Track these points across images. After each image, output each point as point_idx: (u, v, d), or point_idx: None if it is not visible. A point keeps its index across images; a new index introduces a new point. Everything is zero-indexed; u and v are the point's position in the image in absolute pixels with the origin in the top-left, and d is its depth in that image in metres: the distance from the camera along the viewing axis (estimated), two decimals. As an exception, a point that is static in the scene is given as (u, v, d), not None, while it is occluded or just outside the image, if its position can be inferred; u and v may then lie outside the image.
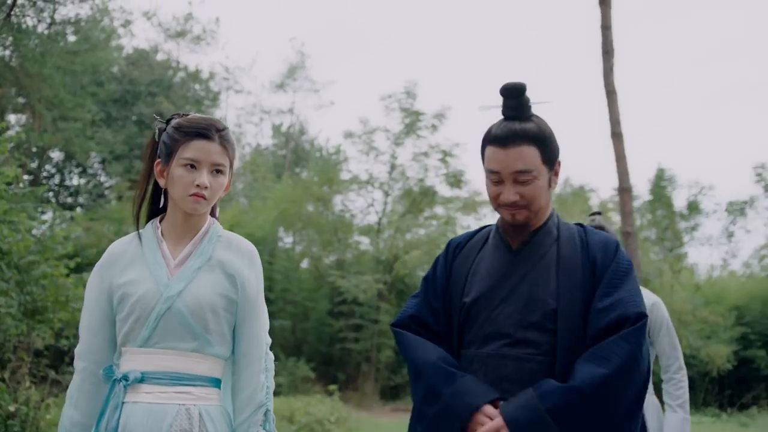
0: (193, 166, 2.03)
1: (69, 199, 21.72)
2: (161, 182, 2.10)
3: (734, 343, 16.03)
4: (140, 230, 2.14)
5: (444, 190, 18.65)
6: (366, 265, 18.05)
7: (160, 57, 25.36)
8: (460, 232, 19.12)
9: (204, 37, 26.57)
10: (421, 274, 18.99)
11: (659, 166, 23.21)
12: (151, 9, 27.87)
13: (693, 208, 22.93)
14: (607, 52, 9.88)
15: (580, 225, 2.17)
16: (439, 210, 19.07)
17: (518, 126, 2.02)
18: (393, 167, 18.44)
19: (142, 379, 1.99)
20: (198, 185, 2.02)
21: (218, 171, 2.06)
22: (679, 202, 23.34)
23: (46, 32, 15.09)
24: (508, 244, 2.13)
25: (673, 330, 3.60)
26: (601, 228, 3.71)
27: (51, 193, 20.79)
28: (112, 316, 2.08)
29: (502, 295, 2.05)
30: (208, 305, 2.03)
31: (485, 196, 19.92)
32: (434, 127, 18.01)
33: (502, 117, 2.08)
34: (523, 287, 2.04)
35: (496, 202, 2.08)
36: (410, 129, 18.00)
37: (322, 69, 42.87)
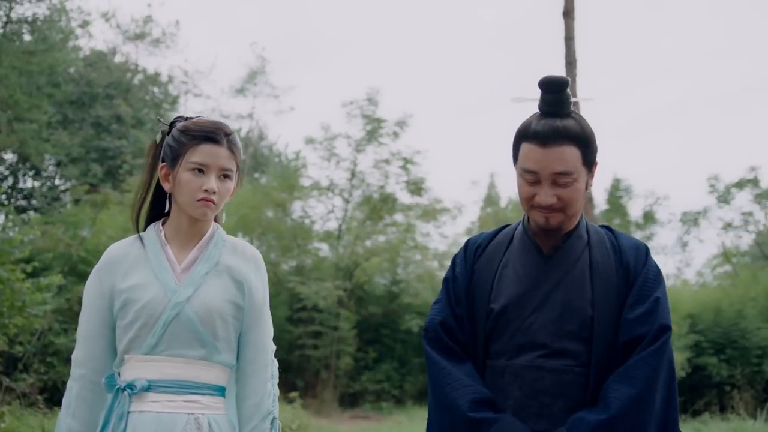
0: (200, 170, 1.98)
1: (22, 202, 21.27)
2: (166, 186, 2.05)
3: (688, 351, 16.32)
4: (141, 233, 2.08)
5: (404, 197, 18.71)
6: (326, 271, 17.99)
7: (118, 59, 25.02)
8: (419, 239, 19.19)
9: (163, 39, 26.27)
10: (381, 281, 19.01)
11: (615, 176, 23.59)
12: (110, 10, 27.42)
13: (648, 217, 23.37)
14: (570, 62, 10.04)
15: (607, 228, 2.07)
16: (398, 217, 19.11)
17: (560, 124, 1.86)
18: (353, 174, 18.43)
19: (148, 388, 1.93)
20: (206, 190, 1.97)
21: (226, 176, 2.02)
22: (635, 211, 23.76)
23: (1, 31, 14.79)
24: (539, 248, 1.99)
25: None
26: None
27: (4, 196, 20.36)
28: (112, 321, 2.01)
29: (535, 302, 1.92)
30: (217, 312, 1.99)
31: (446, 204, 20.07)
32: (396, 135, 18.06)
33: (538, 112, 1.93)
34: (558, 294, 1.92)
35: (530, 204, 1.92)
36: (372, 136, 18.02)
37: (282, 75, 42.70)
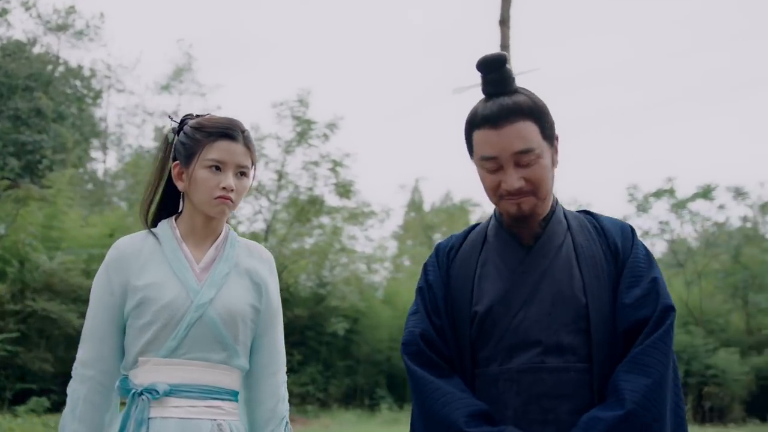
0: (218, 167, 1.91)
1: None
2: (180, 185, 1.97)
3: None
4: (152, 229, 1.99)
5: (332, 200, 18.67)
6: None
7: (38, 50, 24.23)
8: (346, 242, 19.18)
9: (87, 32, 25.57)
10: (307, 283, 18.90)
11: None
12: (30, -1, 26.52)
13: (570, 225, 23.87)
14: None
15: (585, 212, 1.90)
16: (325, 220, 19.06)
17: (509, 101, 1.72)
18: (281, 175, 18.29)
19: (169, 393, 1.84)
20: (224, 188, 1.90)
21: (242, 173, 1.95)
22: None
23: None
24: (518, 239, 1.81)
25: None
26: None
27: None
28: (122, 320, 1.92)
29: (522, 297, 1.75)
30: (240, 314, 1.93)
31: (373, 207, 20.16)
32: (326, 137, 18.00)
33: (483, 96, 1.79)
34: (546, 285, 1.75)
35: (497, 194, 1.76)
36: (302, 137, 17.92)
37: (209, 73, 42.13)
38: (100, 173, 27.97)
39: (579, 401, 1.69)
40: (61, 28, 25.11)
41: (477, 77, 1.78)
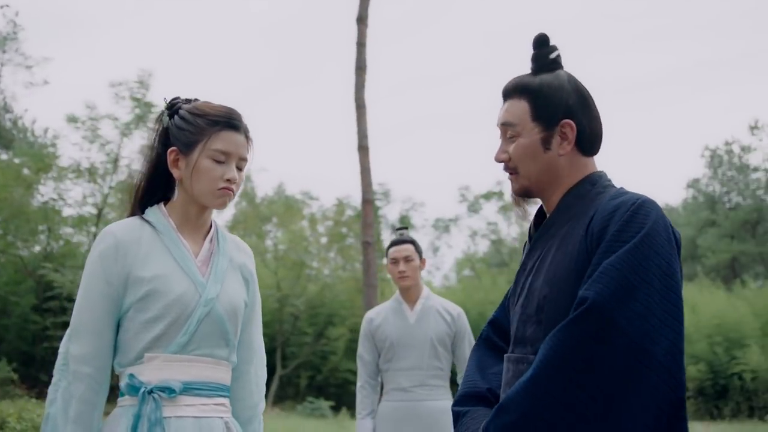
0: (222, 159, 1.84)
1: None
2: (175, 173, 1.87)
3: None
4: (145, 217, 1.88)
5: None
6: (80, 259, 16.92)
7: None
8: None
9: None
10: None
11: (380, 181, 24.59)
12: None
13: (404, 222, 24.56)
14: (361, 68, 10.31)
15: (619, 193, 1.69)
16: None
17: (526, 78, 1.77)
18: (116, 158, 17.51)
19: (182, 391, 1.76)
20: (228, 179, 1.83)
21: (241, 166, 1.90)
22: (393, 215, 24.87)
23: None
24: (535, 227, 1.83)
25: (474, 339, 3.95)
26: (410, 242, 3.97)
27: None
28: (118, 313, 1.79)
29: (518, 289, 1.79)
30: (239, 310, 1.89)
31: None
32: (166, 121, 17.44)
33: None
34: (530, 276, 1.75)
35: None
36: (140, 120, 17.24)
37: (36, 45, 39.51)
38: None
39: None
40: None
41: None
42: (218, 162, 1.85)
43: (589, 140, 1.75)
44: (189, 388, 1.79)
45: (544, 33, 1.79)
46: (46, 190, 17.83)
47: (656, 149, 50.58)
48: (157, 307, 1.78)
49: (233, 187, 1.87)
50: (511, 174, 1.77)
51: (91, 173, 17.33)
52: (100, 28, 43.44)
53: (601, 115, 1.80)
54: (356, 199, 22.78)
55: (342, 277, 21.80)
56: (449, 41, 47.40)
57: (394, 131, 44.04)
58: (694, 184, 30.69)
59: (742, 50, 46.87)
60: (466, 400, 1.80)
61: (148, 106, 17.26)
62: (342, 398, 19.25)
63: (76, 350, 1.79)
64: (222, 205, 1.88)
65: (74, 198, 18.02)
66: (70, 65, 40.36)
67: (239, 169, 1.90)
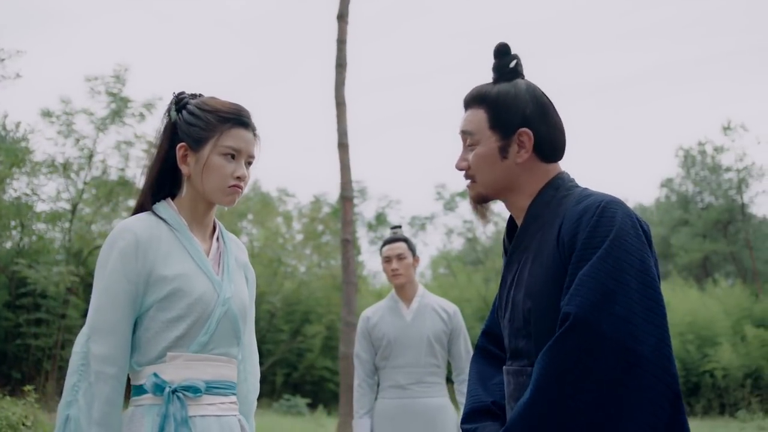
0: (232, 155, 1.84)
1: None
2: (184, 169, 1.87)
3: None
4: (158, 215, 1.87)
5: (142, 181, 17.94)
6: (53, 254, 16.75)
7: None
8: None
9: None
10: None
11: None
12: None
13: (380, 219, 24.57)
14: (341, 65, 10.32)
15: (585, 196, 1.70)
16: (132, 203, 18.31)
17: (485, 88, 1.81)
18: (92, 153, 17.34)
19: (206, 390, 1.76)
20: (239, 177, 1.84)
21: (250, 162, 1.90)
22: (369, 213, 24.88)
23: None
24: (509, 239, 1.85)
25: (468, 337, 3.98)
26: (403, 240, 3.99)
27: None
28: (138, 312, 1.78)
29: (503, 303, 1.82)
30: (248, 308, 1.91)
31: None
32: (142, 116, 17.28)
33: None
34: (511, 290, 1.77)
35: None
36: (116, 115, 17.08)
37: (9, 38, 38.96)
38: None
39: None
40: None
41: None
42: (229, 159, 1.85)
43: (549, 147, 1.77)
44: (210, 387, 1.79)
45: (505, 42, 1.82)
46: (19, 185, 17.61)
47: (630, 149, 51.12)
48: (180, 306, 1.78)
49: (242, 184, 1.87)
50: (470, 180, 1.80)
51: (66, 168, 17.14)
52: (76, 22, 43.06)
53: (563, 121, 1.82)
54: (333, 196, 22.80)
55: (318, 275, 21.78)
56: (427, 39, 47.56)
57: (370, 129, 44.09)
58: (667, 183, 31.00)
59: (718, 50, 47.43)
60: (473, 417, 1.82)
61: (124, 101, 17.10)
62: (318, 396, 19.26)
63: (100, 350, 1.75)
64: (231, 203, 1.87)
65: (48, 193, 17.86)
66: (45, 59, 39.91)
67: (247, 165, 1.90)
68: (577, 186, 1.77)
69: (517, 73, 1.81)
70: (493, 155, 1.75)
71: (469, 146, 1.78)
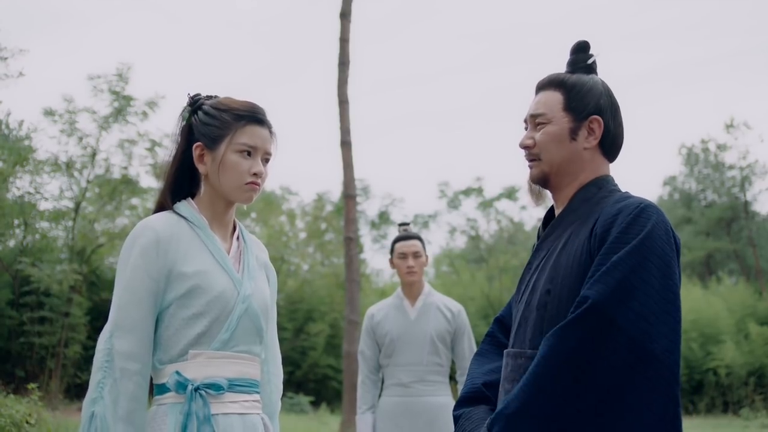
0: (248, 152, 1.84)
1: None
2: (201, 168, 1.87)
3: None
4: (179, 212, 1.87)
5: (147, 181, 18.00)
6: (56, 253, 16.78)
7: None
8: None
9: None
10: (115, 266, 18.09)
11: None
12: None
13: (384, 218, 24.57)
14: (344, 63, 10.32)
15: (624, 197, 1.74)
16: (135, 201, 18.33)
17: (558, 74, 1.86)
18: (95, 152, 17.35)
19: (228, 388, 1.76)
20: (255, 173, 1.84)
21: (267, 159, 1.90)
22: (372, 211, 24.87)
23: None
24: (546, 223, 1.89)
25: (473, 336, 4.00)
26: (417, 237, 4.01)
27: None
28: (159, 309, 1.78)
29: (522, 286, 1.84)
30: (269, 306, 1.91)
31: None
32: (145, 115, 17.28)
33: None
34: (535, 273, 1.79)
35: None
36: (119, 114, 17.08)
37: (12, 37, 38.97)
38: None
39: None
40: None
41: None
42: (245, 156, 1.85)
43: (611, 143, 1.82)
44: (232, 385, 1.79)
45: (585, 40, 1.88)
46: (22, 184, 17.62)
47: (634, 146, 51.05)
48: (200, 303, 1.78)
49: (260, 181, 1.87)
50: (532, 160, 1.82)
51: (69, 167, 17.16)
52: (86, 24, 43.10)
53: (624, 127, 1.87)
54: (336, 195, 22.79)
55: (321, 273, 21.78)
56: (434, 40, 47.51)
57: (376, 128, 44.13)
58: (670, 181, 30.97)
59: (722, 51, 47.36)
60: (463, 403, 1.86)
61: (127, 99, 17.11)
62: (321, 394, 19.27)
63: (124, 347, 1.75)
64: (249, 200, 1.87)
65: (51, 192, 17.83)
66: (53, 60, 40.00)
67: (266, 162, 1.91)
68: (618, 190, 1.81)
69: (593, 69, 1.87)
70: (563, 135, 1.79)
71: (537, 126, 1.81)
